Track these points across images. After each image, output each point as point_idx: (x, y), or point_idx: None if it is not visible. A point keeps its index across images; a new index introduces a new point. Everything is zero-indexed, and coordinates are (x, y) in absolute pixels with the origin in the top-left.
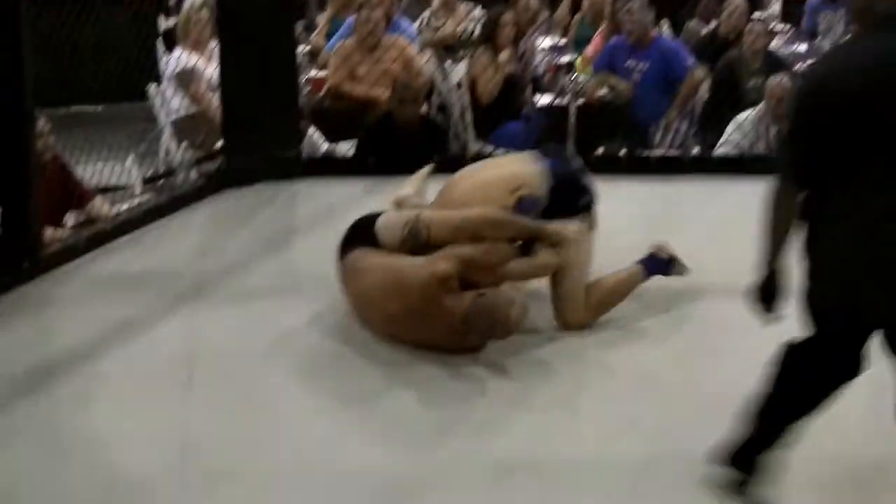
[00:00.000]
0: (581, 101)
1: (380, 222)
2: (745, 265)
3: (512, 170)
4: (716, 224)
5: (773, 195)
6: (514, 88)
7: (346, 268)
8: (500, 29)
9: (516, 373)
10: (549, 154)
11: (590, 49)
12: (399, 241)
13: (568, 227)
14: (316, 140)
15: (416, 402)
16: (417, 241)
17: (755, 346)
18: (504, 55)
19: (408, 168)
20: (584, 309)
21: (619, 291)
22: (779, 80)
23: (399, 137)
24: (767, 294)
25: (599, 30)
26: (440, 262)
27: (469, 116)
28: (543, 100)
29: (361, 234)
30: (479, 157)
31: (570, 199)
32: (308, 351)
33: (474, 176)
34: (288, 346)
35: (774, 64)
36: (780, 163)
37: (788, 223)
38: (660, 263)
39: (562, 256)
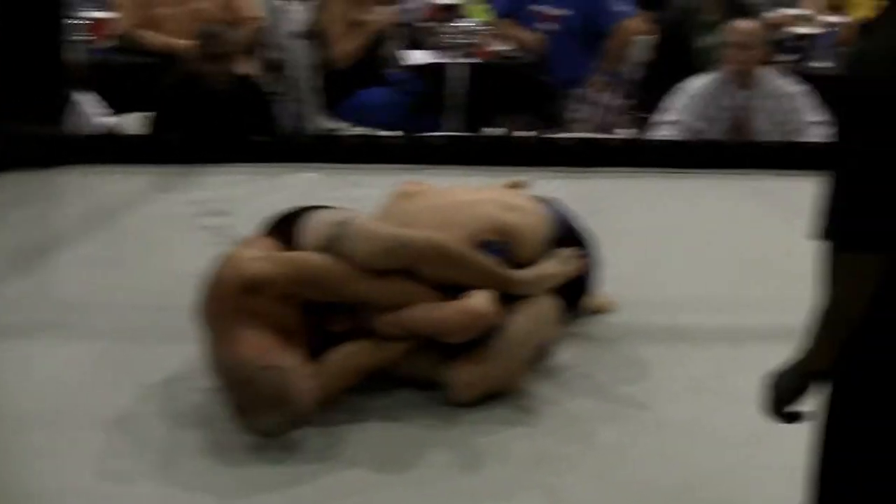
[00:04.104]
0: (471, 58)
1: (311, 215)
2: (691, 293)
3: (504, 201)
4: (655, 236)
5: (843, 270)
6: (382, 42)
7: None
8: None
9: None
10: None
11: None
12: (315, 247)
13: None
14: (92, 111)
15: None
16: (336, 251)
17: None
18: None
19: (221, 151)
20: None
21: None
22: (742, 24)
23: (208, 107)
24: (797, 399)
25: None
26: (258, 263)
27: (314, 79)
28: (418, 56)
29: (284, 221)
30: (333, 135)
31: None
32: (63, 409)
33: (448, 194)
34: (37, 401)
35: (740, 12)
36: (845, 217)
37: (862, 309)
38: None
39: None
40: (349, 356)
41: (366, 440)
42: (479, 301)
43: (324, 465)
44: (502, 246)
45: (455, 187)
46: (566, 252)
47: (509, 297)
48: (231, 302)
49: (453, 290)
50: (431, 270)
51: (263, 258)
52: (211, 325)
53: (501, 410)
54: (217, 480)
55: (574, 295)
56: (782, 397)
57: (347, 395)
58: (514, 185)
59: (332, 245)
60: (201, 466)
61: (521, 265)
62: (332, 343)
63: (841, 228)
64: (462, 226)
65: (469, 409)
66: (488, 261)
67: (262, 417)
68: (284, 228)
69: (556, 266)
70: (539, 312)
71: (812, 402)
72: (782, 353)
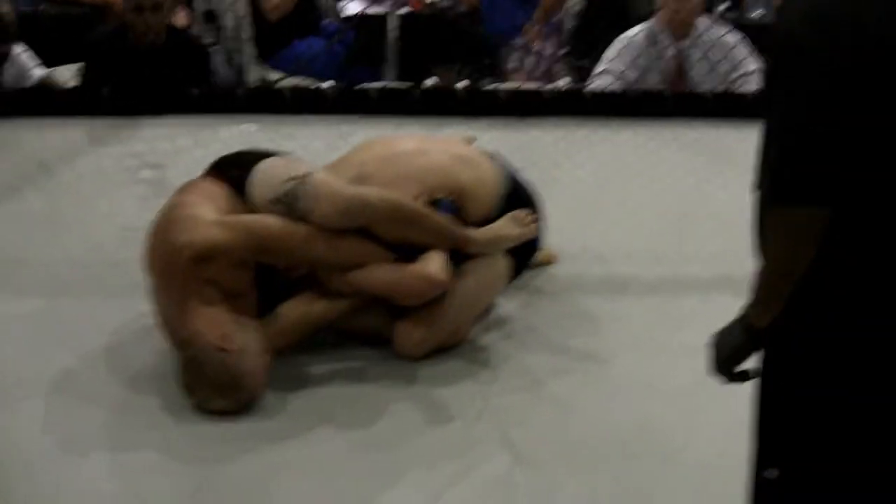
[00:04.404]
0: (405, 8)
1: (264, 164)
2: (631, 244)
3: (458, 153)
4: (590, 187)
5: (780, 224)
6: None
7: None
8: None
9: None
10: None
11: None
12: (268, 200)
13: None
14: (25, 63)
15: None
16: (292, 210)
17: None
18: None
19: (156, 104)
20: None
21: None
22: None
23: (138, 60)
24: (744, 359)
25: None
26: (212, 230)
27: (248, 29)
28: (351, 6)
29: (234, 165)
30: (269, 87)
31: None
32: (12, 370)
33: (398, 143)
34: None
35: None
36: (777, 170)
37: (804, 266)
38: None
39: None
40: (300, 311)
41: (319, 397)
42: (436, 266)
43: (277, 424)
44: (456, 203)
45: (406, 135)
46: (522, 214)
47: (461, 255)
48: (185, 269)
49: (406, 249)
50: (388, 230)
51: (219, 224)
52: (162, 287)
53: (452, 364)
54: (169, 441)
55: (525, 255)
56: (728, 357)
57: (298, 352)
58: (465, 140)
59: (286, 201)
60: (152, 426)
61: (473, 222)
62: (285, 290)
63: (775, 182)
64: (416, 180)
65: (420, 363)
66: (445, 220)
67: (213, 399)
68: (233, 173)
69: (513, 228)
70: (491, 274)
71: (757, 359)
72: (722, 305)
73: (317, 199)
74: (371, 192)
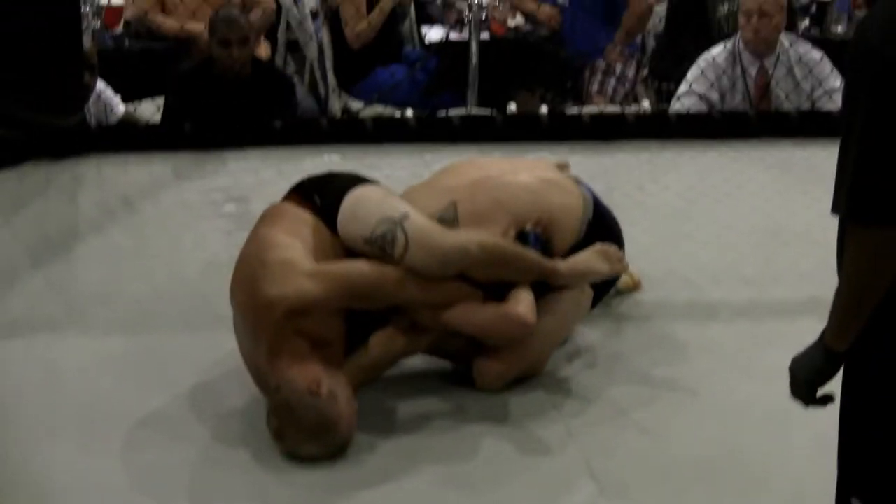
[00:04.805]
0: (486, 33)
1: (355, 195)
2: (716, 267)
3: (548, 178)
4: (675, 210)
5: (860, 245)
6: (398, 20)
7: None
8: None
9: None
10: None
11: None
12: (360, 239)
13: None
14: (109, 99)
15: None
16: (385, 254)
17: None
18: None
19: (239, 138)
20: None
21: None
22: None
23: (224, 93)
24: (824, 382)
25: None
26: (306, 283)
27: (329, 60)
28: (433, 33)
29: (320, 189)
30: (348, 117)
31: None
32: (91, 406)
33: (486, 166)
34: (63, 398)
35: None
36: (858, 190)
37: (881, 289)
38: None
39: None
40: (381, 349)
41: (400, 435)
42: (525, 307)
43: (363, 465)
44: (543, 236)
45: (494, 158)
46: (613, 250)
47: (544, 286)
48: (277, 322)
49: (493, 284)
50: (482, 273)
51: (312, 276)
52: (248, 330)
53: (536, 395)
54: (256, 484)
55: (605, 286)
56: (808, 381)
57: (378, 390)
58: (559, 167)
59: (380, 244)
60: (238, 466)
61: (559, 250)
62: (368, 323)
63: (851, 201)
64: (505, 209)
65: (502, 394)
66: (535, 256)
67: (303, 445)
68: (319, 201)
69: (602, 264)
70: (574, 307)
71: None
72: (811, 327)
73: (413, 248)
74: (468, 240)
